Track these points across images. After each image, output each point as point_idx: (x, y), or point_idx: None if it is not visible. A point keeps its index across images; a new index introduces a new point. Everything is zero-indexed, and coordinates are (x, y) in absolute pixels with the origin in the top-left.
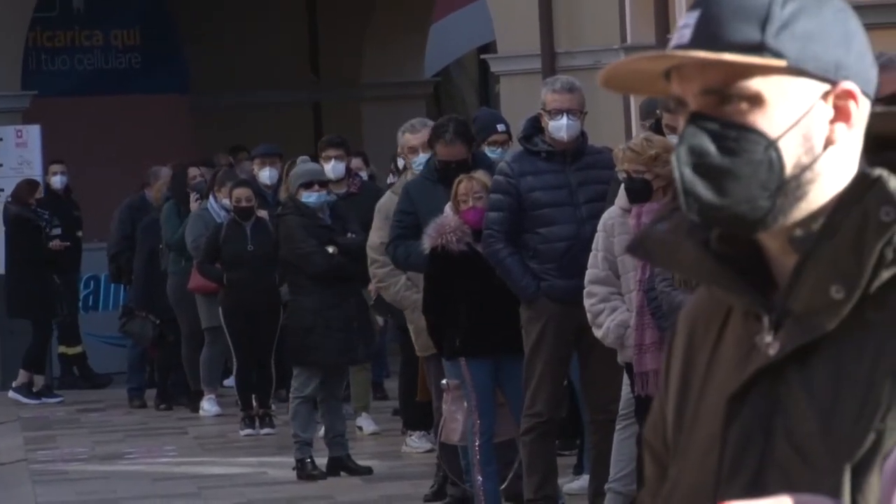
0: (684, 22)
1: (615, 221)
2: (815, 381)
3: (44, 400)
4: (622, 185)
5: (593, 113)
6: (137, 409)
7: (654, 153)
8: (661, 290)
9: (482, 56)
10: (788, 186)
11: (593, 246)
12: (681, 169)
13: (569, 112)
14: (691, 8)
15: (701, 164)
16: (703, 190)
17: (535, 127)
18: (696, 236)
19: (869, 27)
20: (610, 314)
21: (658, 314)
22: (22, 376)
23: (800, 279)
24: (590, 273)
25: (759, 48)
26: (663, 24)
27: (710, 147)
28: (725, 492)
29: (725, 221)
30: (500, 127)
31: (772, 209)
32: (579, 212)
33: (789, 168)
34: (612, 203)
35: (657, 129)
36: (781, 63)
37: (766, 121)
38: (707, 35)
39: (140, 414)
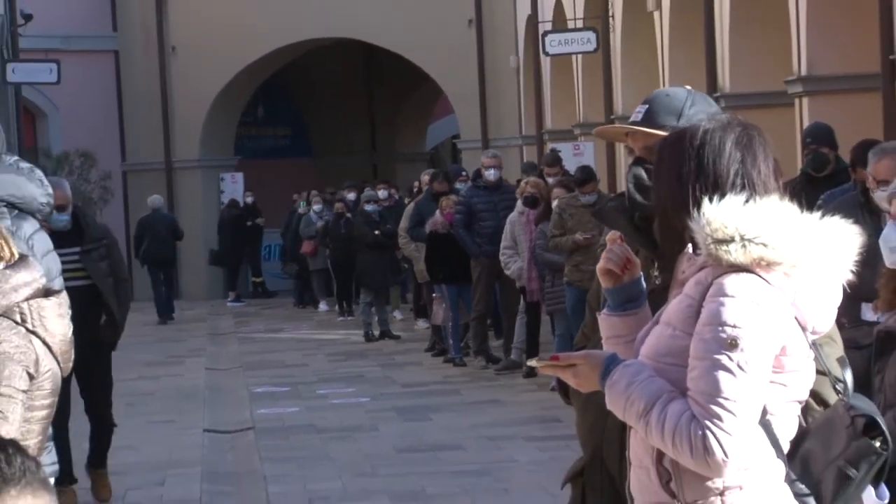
0: (639, 109)
1: (515, 219)
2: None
3: (235, 304)
4: (519, 199)
5: (506, 167)
6: (293, 307)
7: (542, 183)
8: (536, 252)
9: (453, 140)
10: None
11: (504, 230)
12: (628, 184)
13: (494, 167)
14: (643, 102)
15: (637, 183)
16: (637, 196)
17: (478, 174)
18: (627, 214)
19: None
20: (514, 263)
21: (537, 262)
22: (230, 296)
23: None
24: (502, 243)
25: (674, 130)
26: (540, 124)
27: (643, 175)
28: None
29: (647, 210)
30: (463, 173)
31: None
32: (498, 215)
33: None
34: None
35: (541, 174)
36: None
37: None
38: (649, 118)
39: (291, 310)
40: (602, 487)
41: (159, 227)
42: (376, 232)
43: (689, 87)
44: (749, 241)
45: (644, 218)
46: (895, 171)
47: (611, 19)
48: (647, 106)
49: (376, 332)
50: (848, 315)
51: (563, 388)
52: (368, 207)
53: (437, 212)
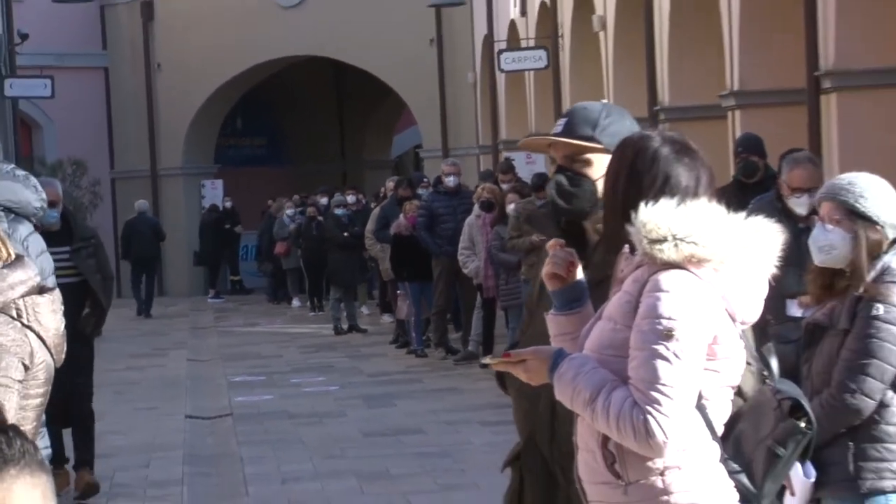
0: (560, 121)
1: (472, 222)
2: (600, 298)
3: (215, 300)
4: (476, 204)
5: (464, 174)
6: (269, 303)
7: (497, 189)
8: (492, 252)
9: (416, 149)
10: (599, 202)
11: (462, 232)
12: (550, 191)
13: (454, 174)
14: (562, 116)
15: (559, 190)
16: (559, 201)
17: (439, 180)
18: (553, 219)
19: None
20: (473, 262)
21: (492, 262)
22: (210, 293)
23: (597, 247)
24: (461, 244)
25: (591, 139)
26: (496, 134)
27: (565, 182)
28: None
29: (569, 215)
30: (425, 180)
31: (591, 212)
32: (457, 218)
33: (599, 193)
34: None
35: (496, 181)
36: (600, 146)
37: (591, 172)
38: (569, 129)
39: (266, 306)
40: (537, 469)
41: (144, 229)
42: (345, 234)
43: (605, 101)
44: (681, 240)
45: (569, 222)
46: (807, 180)
47: (560, 39)
48: (566, 119)
49: (345, 326)
50: (774, 312)
51: (500, 379)
52: (338, 211)
53: (401, 215)
